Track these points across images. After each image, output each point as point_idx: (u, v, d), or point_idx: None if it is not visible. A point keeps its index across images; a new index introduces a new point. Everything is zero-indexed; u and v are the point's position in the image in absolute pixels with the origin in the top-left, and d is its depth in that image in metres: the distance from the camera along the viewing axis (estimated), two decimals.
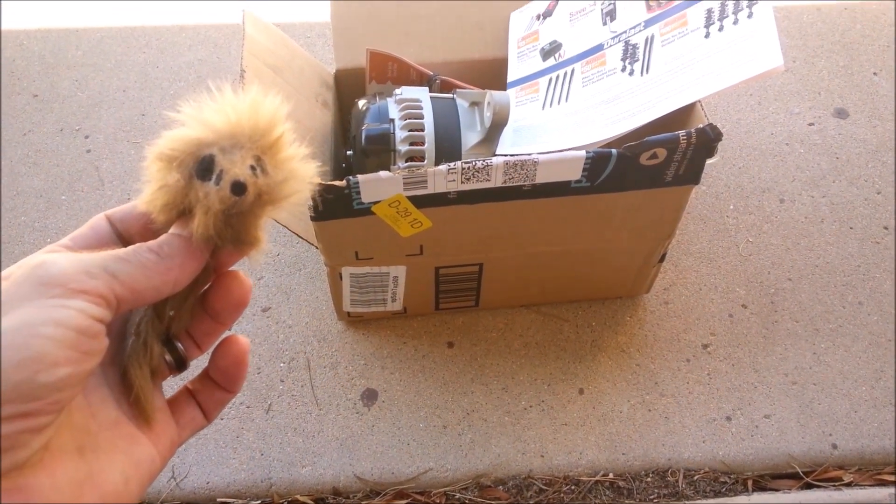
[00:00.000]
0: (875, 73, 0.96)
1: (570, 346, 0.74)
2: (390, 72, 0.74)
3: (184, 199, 0.28)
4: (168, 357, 0.31)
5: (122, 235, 0.31)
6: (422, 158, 0.64)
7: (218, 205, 0.28)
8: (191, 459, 0.67)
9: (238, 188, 0.28)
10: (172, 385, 0.32)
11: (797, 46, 0.98)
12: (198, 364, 0.33)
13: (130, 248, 0.28)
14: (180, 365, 0.32)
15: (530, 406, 0.70)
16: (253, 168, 0.28)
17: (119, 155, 0.87)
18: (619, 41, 0.65)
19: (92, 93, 0.95)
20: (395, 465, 0.66)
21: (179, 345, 0.32)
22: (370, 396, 0.71)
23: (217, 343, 0.33)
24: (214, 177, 0.28)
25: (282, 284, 0.78)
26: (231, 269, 0.32)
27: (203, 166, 0.28)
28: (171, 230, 0.29)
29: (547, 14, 0.74)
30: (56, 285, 0.25)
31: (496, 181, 0.56)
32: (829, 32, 1.00)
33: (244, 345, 0.33)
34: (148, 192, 0.29)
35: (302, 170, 0.30)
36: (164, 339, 0.31)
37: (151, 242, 0.28)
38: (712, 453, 0.67)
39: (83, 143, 0.89)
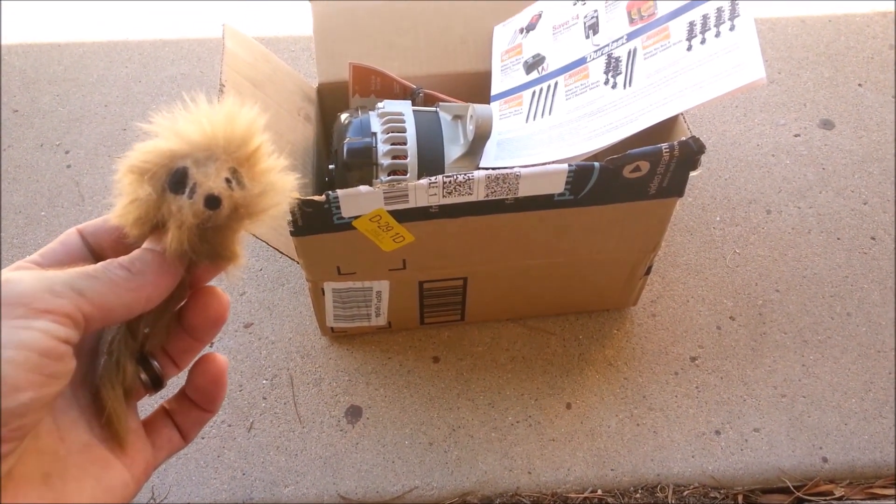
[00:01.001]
0: (860, 85, 0.96)
1: (557, 360, 0.73)
2: (373, 85, 0.74)
3: (157, 213, 0.28)
4: (143, 376, 0.30)
5: (94, 250, 0.30)
6: (404, 172, 0.64)
7: (192, 219, 0.27)
8: (171, 479, 0.65)
9: (212, 202, 0.27)
10: (150, 404, 0.32)
11: (782, 58, 0.99)
12: (176, 382, 0.32)
13: (100, 264, 0.27)
14: (156, 384, 0.31)
15: (517, 421, 0.69)
16: (228, 181, 0.27)
17: (100, 170, 0.86)
18: (602, 54, 0.65)
19: (73, 108, 0.94)
20: (380, 483, 0.65)
21: (155, 363, 0.31)
22: (354, 413, 0.69)
23: (194, 361, 0.32)
24: (188, 190, 0.27)
25: (264, 300, 0.77)
26: (208, 284, 0.32)
27: (176, 179, 0.27)
28: (144, 245, 0.28)
29: (530, 28, 0.73)
30: (19, 305, 0.24)
31: (478, 195, 0.55)
32: (814, 44, 1.01)
33: (222, 363, 0.32)
34: (120, 205, 0.28)
35: (280, 182, 0.29)
36: (139, 357, 0.30)
37: (123, 258, 0.27)
38: (702, 468, 0.66)
39: (63, 159, 0.88)
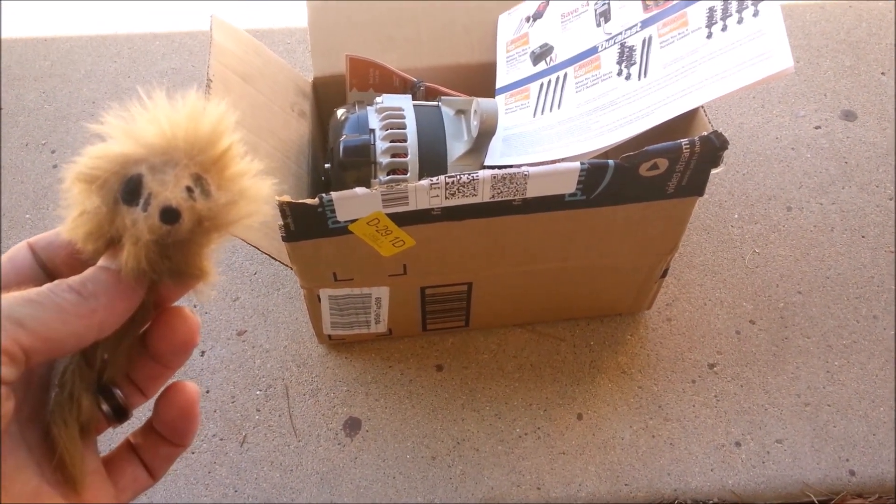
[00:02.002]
0: (883, 73, 0.92)
1: (567, 368, 0.69)
2: (372, 79, 0.70)
3: (110, 226, 0.24)
4: (105, 406, 0.27)
5: (46, 266, 0.27)
6: (404, 171, 0.60)
7: (147, 234, 0.23)
8: (159, 497, 0.62)
9: (169, 215, 0.23)
10: (115, 437, 0.28)
11: (801, 46, 0.94)
12: (146, 409, 0.28)
13: (46, 286, 0.24)
14: (119, 415, 0.27)
15: (525, 434, 0.65)
16: (190, 189, 0.24)
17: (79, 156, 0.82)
18: (615, 43, 0.61)
19: (59, 105, 0.90)
20: (380, 500, 0.62)
21: (118, 391, 0.27)
22: (353, 426, 0.66)
23: (161, 390, 0.29)
24: (142, 201, 0.23)
25: (258, 305, 0.73)
26: (176, 304, 0.28)
27: (129, 188, 0.24)
28: (99, 263, 0.25)
29: (537, 16, 0.69)
30: None
31: (483, 196, 0.51)
32: (834, 32, 0.96)
33: (192, 393, 0.28)
34: (69, 218, 0.25)
35: (253, 189, 0.26)
36: (99, 387, 0.27)
37: (73, 279, 0.24)
38: (721, 482, 0.63)
39: (49, 158, 0.85)
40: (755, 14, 0.52)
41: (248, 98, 0.61)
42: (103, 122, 0.24)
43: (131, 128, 0.24)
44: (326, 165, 0.63)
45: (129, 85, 0.92)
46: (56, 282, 0.24)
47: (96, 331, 0.24)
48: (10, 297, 0.23)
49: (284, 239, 0.53)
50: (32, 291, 0.23)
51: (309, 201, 0.49)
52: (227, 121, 0.25)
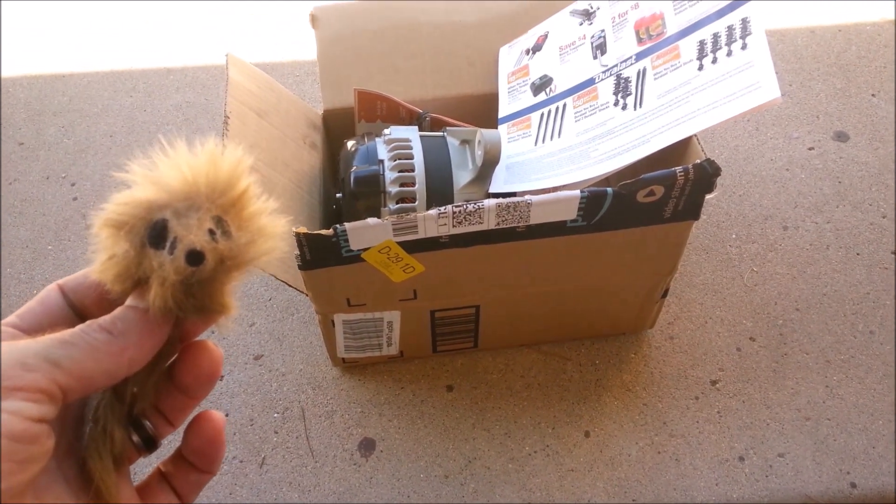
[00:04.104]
0: (873, 95, 0.95)
1: (573, 387, 0.71)
2: (379, 110, 0.73)
3: (137, 268, 0.26)
4: (135, 437, 0.29)
5: (76, 307, 0.28)
6: (412, 199, 0.62)
7: (174, 276, 0.25)
8: None
9: (194, 258, 0.25)
10: (146, 464, 0.30)
11: (793, 70, 0.97)
12: (174, 439, 0.30)
13: (78, 328, 0.25)
14: (149, 445, 0.29)
15: (534, 451, 0.67)
16: (212, 231, 0.25)
17: (106, 202, 0.85)
18: (611, 75, 0.64)
19: (78, 139, 0.93)
20: None
21: (147, 423, 0.29)
22: (368, 446, 0.68)
23: (189, 420, 0.31)
24: (168, 245, 0.25)
25: (274, 330, 0.75)
26: (199, 338, 0.30)
27: (155, 233, 0.25)
28: (127, 302, 0.26)
29: (536, 48, 0.72)
30: None
31: (489, 224, 0.54)
32: (825, 55, 0.99)
33: (219, 422, 0.30)
34: (98, 261, 0.27)
35: (270, 227, 0.28)
36: (129, 419, 0.29)
37: (103, 319, 0.26)
38: (726, 496, 0.64)
39: (69, 191, 0.88)
40: (743, 47, 0.55)
41: (264, 132, 0.64)
42: (128, 170, 0.26)
43: (154, 174, 0.26)
44: (338, 195, 0.66)
45: (145, 118, 0.96)
46: (88, 323, 0.26)
47: (127, 367, 0.26)
48: (47, 339, 0.24)
49: (300, 267, 0.55)
50: (66, 333, 0.25)
51: (324, 232, 0.52)
52: (244, 164, 0.27)
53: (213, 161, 0.26)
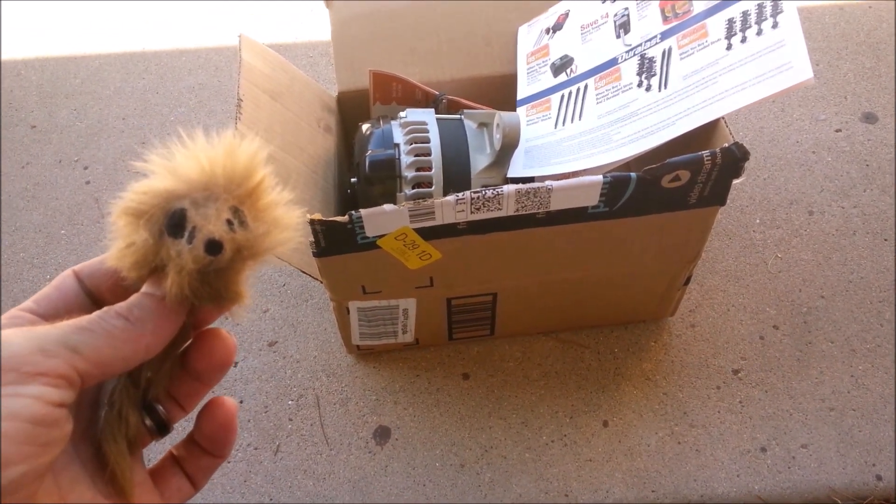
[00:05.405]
0: None
1: (591, 375, 0.70)
2: (395, 92, 0.71)
3: (155, 256, 0.26)
4: (148, 422, 0.29)
5: (91, 293, 0.28)
6: (429, 184, 0.61)
7: (192, 264, 0.25)
8: None
9: (213, 247, 0.25)
10: (158, 450, 0.30)
11: (820, 49, 0.94)
12: (185, 424, 0.30)
13: (95, 314, 0.25)
14: (162, 429, 0.29)
15: (552, 441, 0.66)
16: (230, 221, 0.25)
17: (119, 186, 0.84)
18: (635, 55, 0.61)
19: (91, 122, 0.92)
20: None
21: (160, 408, 0.29)
22: (383, 434, 0.67)
23: (202, 406, 0.31)
24: (187, 234, 0.25)
25: (288, 317, 0.75)
26: (212, 326, 0.30)
27: (174, 222, 0.25)
28: (143, 289, 0.26)
29: (557, 28, 0.70)
30: (9, 370, 0.22)
31: (508, 210, 0.52)
32: (854, 33, 0.96)
33: (231, 407, 0.30)
34: (115, 248, 0.27)
35: (285, 218, 0.27)
36: (143, 404, 0.29)
37: (120, 305, 0.26)
38: (747, 488, 0.63)
39: (82, 175, 0.87)
40: (774, 26, 0.53)
41: (277, 115, 0.63)
42: (146, 160, 0.26)
43: (173, 165, 0.26)
44: (353, 179, 0.64)
45: (157, 101, 0.95)
46: (105, 309, 0.26)
47: (142, 354, 0.26)
48: (65, 325, 0.24)
49: (315, 255, 0.54)
50: (84, 319, 0.25)
51: (339, 219, 0.51)
52: (260, 155, 0.27)
53: (230, 152, 0.26)
